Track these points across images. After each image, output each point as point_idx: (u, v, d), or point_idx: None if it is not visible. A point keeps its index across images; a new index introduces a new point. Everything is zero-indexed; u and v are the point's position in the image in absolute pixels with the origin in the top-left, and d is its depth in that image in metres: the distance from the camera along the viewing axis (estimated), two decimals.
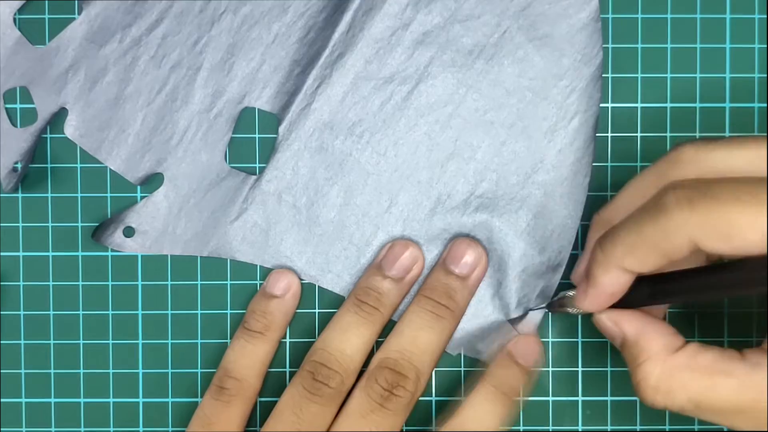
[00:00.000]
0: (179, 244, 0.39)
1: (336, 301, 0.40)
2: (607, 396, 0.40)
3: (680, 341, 0.32)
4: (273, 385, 0.40)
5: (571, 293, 0.36)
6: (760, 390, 0.30)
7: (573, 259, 0.38)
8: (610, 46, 0.40)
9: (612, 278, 0.33)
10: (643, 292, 0.33)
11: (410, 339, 0.37)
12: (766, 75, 0.39)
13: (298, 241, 0.39)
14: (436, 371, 0.40)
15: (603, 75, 0.39)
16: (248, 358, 0.38)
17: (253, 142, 0.40)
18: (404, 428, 0.40)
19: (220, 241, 0.39)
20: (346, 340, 0.37)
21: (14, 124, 0.40)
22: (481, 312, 0.39)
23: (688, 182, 0.30)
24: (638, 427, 0.40)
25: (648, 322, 0.33)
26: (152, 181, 0.40)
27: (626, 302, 0.34)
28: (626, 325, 0.33)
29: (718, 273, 0.31)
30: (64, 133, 0.40)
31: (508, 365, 0.38)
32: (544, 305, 0.39)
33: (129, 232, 0.40)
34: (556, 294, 0.38)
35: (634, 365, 0.33)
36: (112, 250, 0.40)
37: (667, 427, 0.40)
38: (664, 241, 0.30)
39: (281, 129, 0.39)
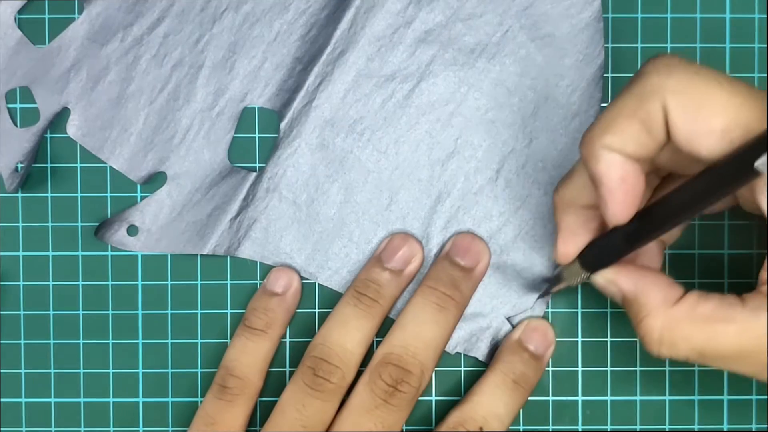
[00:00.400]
0: (181, 242, 0.39)
1: (336, 300, 0.39)
2: (607, 396, 0.40)
3: (679, 291, 0.32)
4: (273, 385, 0.40)
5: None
6: (760, 334, 0.30)
7: None
8: (610, 46, 0.40)
9: (579, 183, 0.33)
10: (618, 238, 0.32)
11: (414, 333, 0.37)
12: (766, 75, 0.40)
13: (297, 237, 0.39)
14: (436, 371, 0.40)
15: (603, 75, 0.39)
16: (250, 356, 0.38)
17: (253, 141, 0.40)
18: (404, 428, 0.40)
19: (221, 239, 0.39)
20: (346, 333, 0.37)
21: (16, 125, 0.40)
22: (480, 311, 0.39)
23: (672, 56, 0.30)
24: (638, 427, 0.40)
25: (644, 276, 0.33)
26: (155, 180, 0.40)
27: (608, 256, 0.33)
28: (622, 283, 0.33)
29: (684, 195, 0.30)
30: (64, 133, 0.40)
31: (519, 352, 0.38)
32: (542, 292, 0.39)
33: (132, 230, 0.40)
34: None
35: (636, 321, 0.33)
36: (113, 250, 0.40)
37: (666, 427, 0.40)
38: (640, 106, 0.29)
39: (282, 126, 0.39)
